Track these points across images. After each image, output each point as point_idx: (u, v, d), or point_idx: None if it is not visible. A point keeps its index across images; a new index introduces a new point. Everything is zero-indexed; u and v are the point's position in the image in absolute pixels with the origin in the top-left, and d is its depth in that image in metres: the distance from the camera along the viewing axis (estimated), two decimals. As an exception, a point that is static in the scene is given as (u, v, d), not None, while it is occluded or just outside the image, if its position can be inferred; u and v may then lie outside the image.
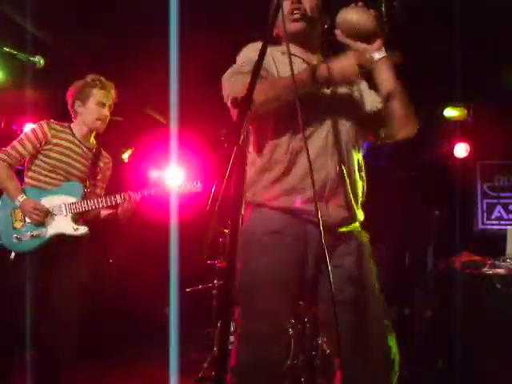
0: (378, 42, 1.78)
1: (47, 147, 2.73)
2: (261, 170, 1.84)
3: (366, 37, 1.76)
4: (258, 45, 1.77)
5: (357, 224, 1.93)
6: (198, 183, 2.98)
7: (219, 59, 4.05)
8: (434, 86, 4.45)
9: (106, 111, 2.86)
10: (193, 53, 3.59)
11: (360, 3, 1.73)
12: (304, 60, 1.88)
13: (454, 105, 4.98)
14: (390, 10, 1.82)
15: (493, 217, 5.75)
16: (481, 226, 5.78)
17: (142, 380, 3.91)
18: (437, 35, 3.68)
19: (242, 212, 1.25)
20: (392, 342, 1.79)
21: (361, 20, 1.72)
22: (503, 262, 3.77)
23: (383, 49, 1.78)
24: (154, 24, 3.54)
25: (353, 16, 1.73)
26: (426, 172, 5.47)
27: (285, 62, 1.75)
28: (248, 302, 1.78)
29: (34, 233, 2.66)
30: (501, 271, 3.68)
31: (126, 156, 5.59)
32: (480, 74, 4.19)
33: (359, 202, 1.91)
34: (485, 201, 5.79)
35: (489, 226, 5.75)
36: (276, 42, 1.91)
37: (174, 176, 5.60)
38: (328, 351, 3.47)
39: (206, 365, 3.88)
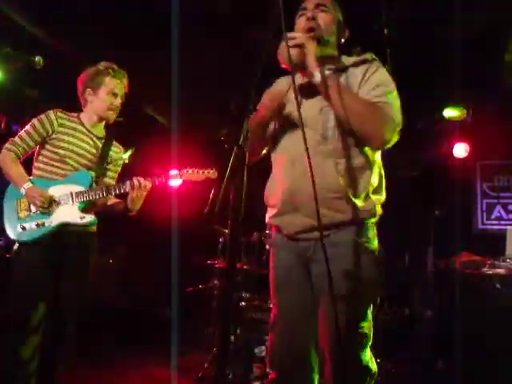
0: (306, 71, 1.83)
1: (55, 137, 2.67)
2: None
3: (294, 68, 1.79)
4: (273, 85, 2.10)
5: (340, 227, 1.86)
6: (213, 170, 2.83)
7: (219, 59, 4.06)
8: (433, 86, 4.45)
9: (117, 101, 2.79)
10: (193, 53, 3.59)
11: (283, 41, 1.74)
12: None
13: (454, 105, 4.97)
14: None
15: (493, 217, 5.75)
16: (481, 226, 5.78)
17: (142, 380, 3.91)
18: (437, 35, 3.69)
19: (243, 213, 1.25)
20: (364, 356, 1.89)
21: (285, 57, 1.75)
22: (503, 262, 3.77)
23: (316, 74, 1.79)
24: (154, 24, 3.55)
25: (281, 53, 1.80)
26: (425, 172, 5.47)
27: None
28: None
29: (39, 222, 2.59)
30: (501, 271, 3.68)
31: (126, 156, 5.59)
32: (480, 74, 4.19)
33: (341, 207, 1.84)
34: (485, 201, 5.79)
35: (489, 226, 5.74)
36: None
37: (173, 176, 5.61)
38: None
39: (206, 365, 3.88)
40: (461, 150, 5.38)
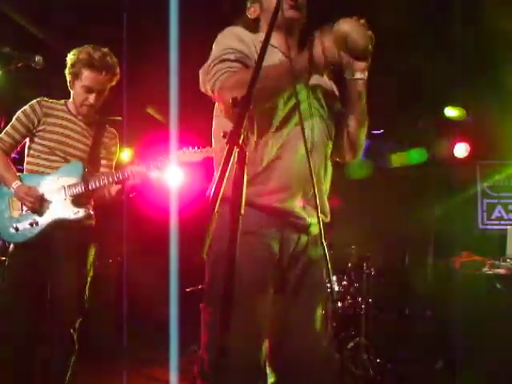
0: (364, 64, 1.74)
1: (41, 128, 2.53)
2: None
3: (355, 53, 1.68)
4: (237, 30, 1.81)
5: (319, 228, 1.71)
6: (211, 147, 2.60)
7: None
8: (434, 86, 4.45)
9: (91, 98, 2.54)
10: (193, 53, 3.59)
11: (361, 20, 1.64)
12: (283, 54, 1.81)
13: (454, 105, 4.97)
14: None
15: (493, 217, 5.74)
16: (481, 226, 5.77)
17: (142, 380, 3.91)
18: (437, 35, 3.69)
19: (242, 212, 1.24)
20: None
21: (354, 35, 1.62)
22: (503, 262, 3.77)
23: (365, 72, 1.74)
24: (154, 24, 3.55)
25: (348, 28, 1.61)
26: (425, 172, 5.47)
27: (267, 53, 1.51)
28: None
29: (32, 221, 2.46)
30: (501, 271, 3.68)
31: (125, 156, 5.58)
32: (480, 74, 4.19)
33: (324, 206, 1.84)
34: (485, 201, 5.79)
35: (489, 226, 5.74)
36: (254, 28, 1.87)
37: (173, 176, 5.61)
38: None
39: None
40: (461, 149, 5.38)
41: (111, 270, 5.30)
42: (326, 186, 1.85)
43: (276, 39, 1.80)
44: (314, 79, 1.79)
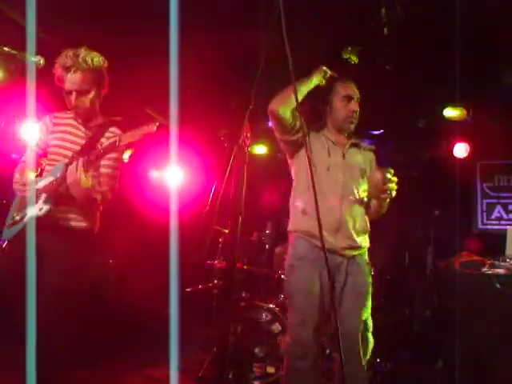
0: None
1: (51, 136, 2.64)
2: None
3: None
4: None
5: (360, 250, 2.65)
6: (153, 123, 2.47)
7: (219, 59, 4.06)
8: (433, 86, 4.45)
9: (71, 100, 2.54)
10: (193, 53, 3.59)
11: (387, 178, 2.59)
12: (333, 142, 2.69)
13: (454, 105, 4.97)
14: (390, 11, 1.84)
15: (493, 217, 5.75)
16: (481, 226, 5.78)
17: (142, 380, 3.91)
18: (437, 35, 3.69)
19: (242, 212, 1.25)
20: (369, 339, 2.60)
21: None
22: (503, 262, 3.76)
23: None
24: (153, 24, 3.55)
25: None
26: (425, 172, 5.47)
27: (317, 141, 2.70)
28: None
29: (16, 220, 2.55)
30: (501, 271, 3.68)
31: (125, 156, 5.57)
32: (480, 74, 4.19)
33: (363, 234, 2.67)
34: (485, 201, 5.79)
35: (489, 226, 5.75)
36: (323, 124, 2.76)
37: (173, 176, 5.62)
38: (328, 351, 3.48)
39: (205, 365, 3.88)
40: (461, 149, 5.38)
41: (111, 270, 5.30)
42: (359, 223, 2.66)
43: (334, 135, 2.72)
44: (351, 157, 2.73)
